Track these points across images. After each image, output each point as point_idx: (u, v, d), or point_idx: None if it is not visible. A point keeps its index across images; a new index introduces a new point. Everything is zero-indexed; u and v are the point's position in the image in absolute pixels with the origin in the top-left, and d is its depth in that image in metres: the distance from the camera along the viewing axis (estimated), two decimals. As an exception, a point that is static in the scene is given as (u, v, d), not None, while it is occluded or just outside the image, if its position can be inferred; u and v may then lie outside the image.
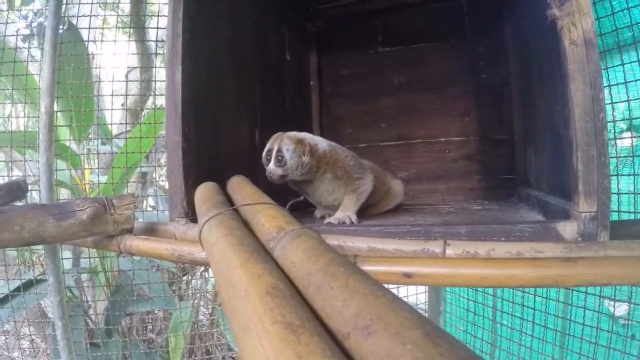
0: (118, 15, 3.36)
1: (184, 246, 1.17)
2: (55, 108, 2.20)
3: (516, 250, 0.96)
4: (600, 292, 1.92)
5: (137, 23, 3.53)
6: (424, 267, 0.92)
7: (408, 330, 0.48)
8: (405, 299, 2.91)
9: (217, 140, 1.61)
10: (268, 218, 0.96)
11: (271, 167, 1.50)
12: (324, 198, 1.64)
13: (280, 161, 1.51)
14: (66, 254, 3.29)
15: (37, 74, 2.41)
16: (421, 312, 3.02)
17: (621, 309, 1.94)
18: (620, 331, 1.88)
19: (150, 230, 1.39)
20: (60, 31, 2.27)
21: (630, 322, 1.88)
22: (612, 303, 1.93)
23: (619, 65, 1.82)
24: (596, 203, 1.01)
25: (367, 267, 0.91)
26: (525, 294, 2.22)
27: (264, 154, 1.52)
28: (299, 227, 0.88)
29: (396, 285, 2.83)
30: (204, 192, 1.28)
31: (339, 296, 0.59)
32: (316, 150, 1.56)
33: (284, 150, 1.51)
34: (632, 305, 1.87)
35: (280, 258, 0.80)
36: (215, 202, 1.15)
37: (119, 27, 3.57)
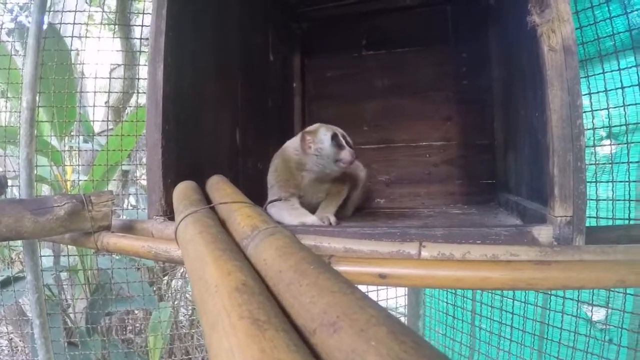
0: (103, 12, 3.33)
1: (160, 244, 1.17)
2: (38, 103, 2.18)
3: (491, 253, 0.97)
4: (578, 297, 1.94)
5: (123, 20, 3.51)
6: (399, 268, 0.92)
7: (373, 327, 0.48)
8: (384, 302, 2.93)
9: (197, 140, 1.60)
10: (243, 217, 0.96)
11: (350, 151, 1.57)
12: (313, 198, 1.69)
13: (351, 144, 1.61)
14: (46, 252, 3.27)
15: (20, 68, 2.39)
16: (401, 315, 3.04)
17: (599, 314, 1.95)
18: (597, 335, 1.89)
19: (128, 228, 1.38)
20: (45, 26, 2.25)
21: (607, 327, 1.89)
22: (589, 308, 1.95)
23: (599, 73, 1.84)
24: (572, 208, 1.02)
25: (342, 268, 0.92)
26: (504, 299, 2.23)
27: (328, 140, 1.56)
28: (273, 226, 0.88)
29: (376, 289, 2.84)
30: (182, 190, 1.27)
31: (307, 293, 0.59)
32: None
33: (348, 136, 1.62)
34: (609, 310, 1.89)
35: (253, 256, 0.80)
36: (193, 200, 1.14)
37: (104, 24, 3.54)
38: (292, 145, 1.67)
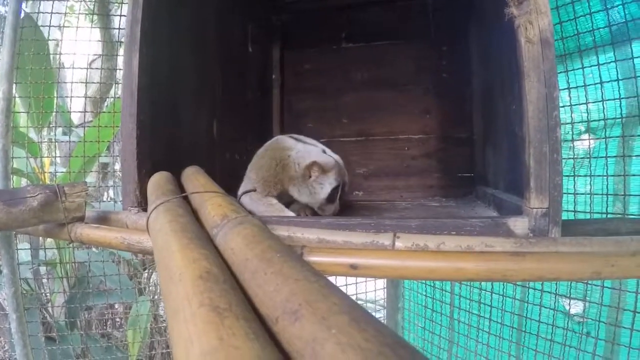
0: (82, 0, 3.29)
1: (133, 235, 1.15)
2: (15, 94, 2.15)
3: (466, 244, 0.96)
4: (556, 290, 1.95)
5: (102, 10, 3.46)
6: (372, 259, 0.91)
7: (335, 315, 0.48)
8: (363, 296, 2.93)
9: (174, 131, 1.58)
10: (214, 206, 0.95)
11: (337, 205, 1.54)
12: (290, 197, 1.64)
13: (343, 195, 1.56)
14: (25, 245, 3.22)
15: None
16: (380, 308, 3.04)
17: (577, 307, 1.97)
18: (575, 328, 1.91)
19: (102, 219, 1.36)
20: (22, 15, 2.22)
21: (585, 320, 1.91)
22: (567, 301, 1.96)
23: (579, 68, 1.86)
24: (547, 199, 1.02)
25: (314, 258, 0.91)
26: (483, 292, 2.25)
27: (328, 192, 1.49)
28: (243, 215, 0.87)
29: (355, 282, 2.85)
30: (157, 181, 1.26)
31: (271, 281, 0.58)
32: None
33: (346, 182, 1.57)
34: (587, 303, 1.90)
35: (221, 245, 0.79)
36: (166, 191, 1.13)
37: (83, 14, 3.50)
38: (298, 157, 1.56)
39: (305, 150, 1.60)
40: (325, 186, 1.48)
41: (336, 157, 1.58)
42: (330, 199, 1.50)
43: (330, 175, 1.49)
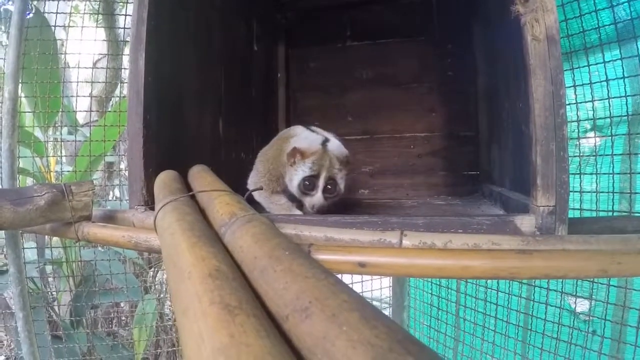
0: (87, 0, 3.29)
1: (140, 233, 1.15)
2: (20, 94, 2.15)
3: (473, 242, 0.96)
4: (561, 288, 1.95)
5: (107, 9, 3.47)
6: (379, 257, 0.91)
7: (345, 312, 0.48)
8: (369, 294, 2.93)
9: (179, 129, 1.59)
10: (222, 204, 0.95)
11: (318, 199, 1.38)
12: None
13: (332, 191, 1.40)
14: (31, 244, 3.24)
15: (2, 58, 2.36)
16: (386, 306, 3.05)
17: (583, 305, 1.96)
18: (581, 327, 1.91)
19: (109, 218, 1.36)
20: (29, 16, 2.22)
21: (591, 318, 1.90)
22: (573, 299, 1.96)
23: (584, 66, 1.85)
24: (554, 197, 1.01)
25: (322, 256, 0.91)
26: (489, 290, 2.25)
27: (299, 179, 1.39)
28: (251, 213, 0.87)
29: (361, 280, 2.85)
30: (163, 179, 1.26)
31: (281, 279, 0.58)
32: None
33: (338, 178, 1.40)
34: (593, 302, 1.90)
35: (230, 243, 0.79)
36: (173, 189, 1.13)
37: (88, 13, 3.51)
38: (292, 144, 1.48)
39: (305, 137, 1.54)
40: (298, 173, 1.39)
41: (337, 151, 1.46)
42: (302, 189, 1.40)
43: (306, 161, 1.39)
